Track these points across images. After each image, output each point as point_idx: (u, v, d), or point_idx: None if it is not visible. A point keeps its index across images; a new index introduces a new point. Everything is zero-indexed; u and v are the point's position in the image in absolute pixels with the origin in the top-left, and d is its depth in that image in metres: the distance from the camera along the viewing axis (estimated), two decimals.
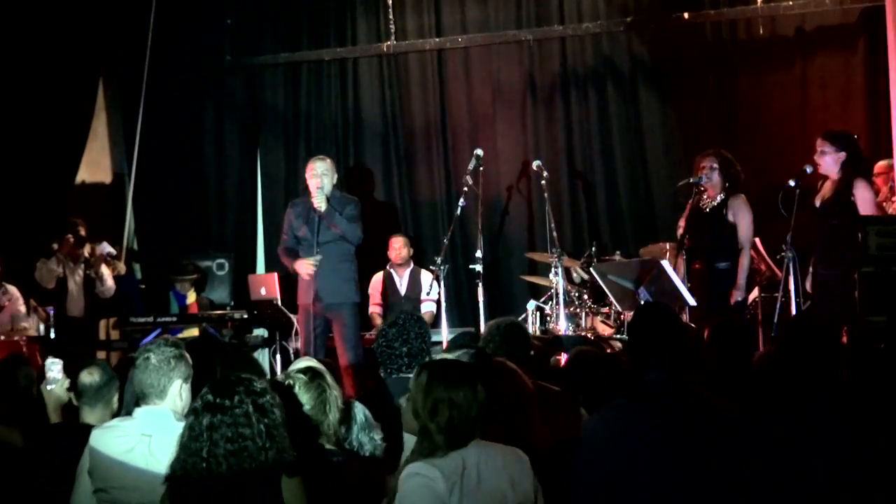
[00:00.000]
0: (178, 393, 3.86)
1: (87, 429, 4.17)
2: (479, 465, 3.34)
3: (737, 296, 7.20)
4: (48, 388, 4.83)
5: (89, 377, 4.55)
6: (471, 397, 3.37)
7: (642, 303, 6.96)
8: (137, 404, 4.05)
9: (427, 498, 3.25)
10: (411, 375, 4.72)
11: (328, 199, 7.51)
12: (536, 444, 3.73)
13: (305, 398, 3.81)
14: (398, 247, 9.45)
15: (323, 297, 7.47)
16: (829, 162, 7.01)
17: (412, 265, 9.56)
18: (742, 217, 7.30)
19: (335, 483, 3.63)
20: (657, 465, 3.35)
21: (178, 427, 3.76)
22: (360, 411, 4.09)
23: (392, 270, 9.53)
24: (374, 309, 9.42)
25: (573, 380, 4.48)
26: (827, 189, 7.06)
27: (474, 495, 3.30)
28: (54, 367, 4.86)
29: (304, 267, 7.55)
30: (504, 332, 4.94)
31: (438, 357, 4.19)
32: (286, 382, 3.83)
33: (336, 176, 7.73)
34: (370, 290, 9.47)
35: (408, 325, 4.94)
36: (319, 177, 7.57)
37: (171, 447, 3.51)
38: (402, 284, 9.49)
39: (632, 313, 7.52)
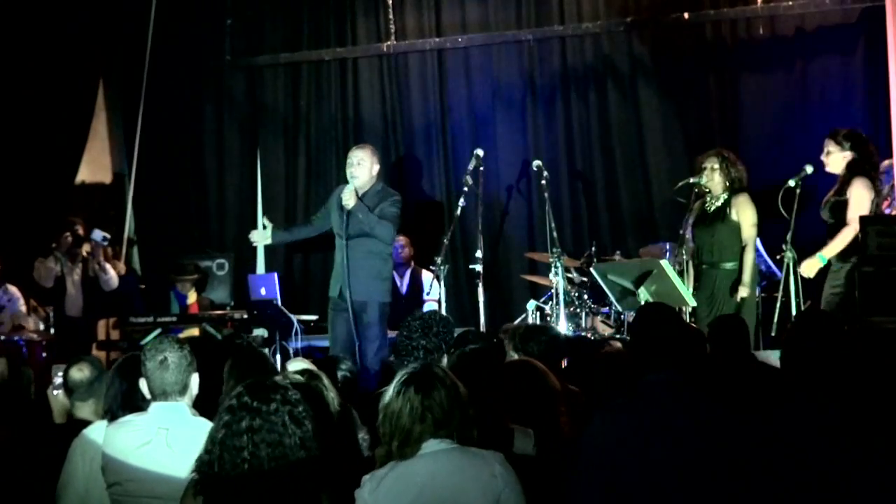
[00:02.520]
0: (194, 385, 3.91)
1: (85, 425, 4.18)
2: (430, 473, 3.30)
3: (742, 292, 7.20)
4: (54, 392, 4.84)
5: (79, 373, 4.56)
6: (410, 406, 3.33)
7: (644, 303, 6.97)
8: (125, 406, 4.05)
9: None
10: None
11: (361, 194, 7.33)
12: (563, 439, 3.79)
13: None
14: (399, 246, 9.44)
15: (350, 293, 7.37)
16: (835, 161, 7.02)
17: (413, 265, 9.55)
18: (745, 215, 7.30)
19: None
20: (658, 466, 3.35)
21: (195, 420, 3.80)
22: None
23: (392, 271, 9.51)
24: None
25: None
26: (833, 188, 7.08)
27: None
28: (61, 373, 4.86)
29: (253, 235, 7.93)
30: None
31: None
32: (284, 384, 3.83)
33: (377, 165, 7.51)
34: None
35: (432, 321, 4.93)
36: (354, 166, 7.39)
37: (189, 439, 3.53)
38: (402, 284, 9.48)
39: (632, 312, 7.61)
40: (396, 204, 7.44)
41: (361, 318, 7.32)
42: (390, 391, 3.40)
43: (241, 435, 3.06)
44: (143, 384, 3.90)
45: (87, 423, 4.22)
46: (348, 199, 7.27)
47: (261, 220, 8.07)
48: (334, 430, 3.76)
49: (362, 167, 7.41)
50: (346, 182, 7.47)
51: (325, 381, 3.92)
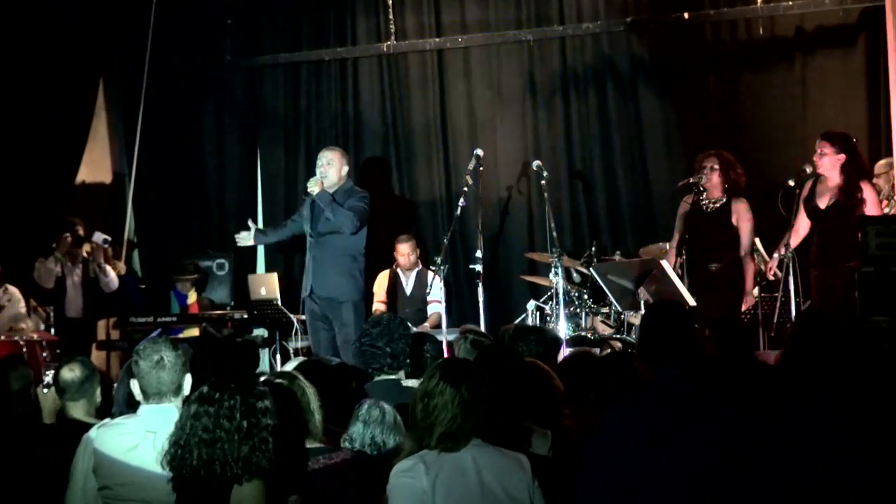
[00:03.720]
0: (187, 386, 3.90)
1: (77, 424, 4.17)
2: (476, 467, 3.32)
3: (749, 302, 7.24)
4: (44, 391, 4.83)
5: (70, 373, 4.55)
6: (462, 397, 3.35)
7: (651, 301, 6.97)
8: (130, 403, 4.05)
9: (410, 495, 3.28)
10: (393, 377, 4.81)
11: (327, 188, 7.46)
12: (567, 440, 3.83)
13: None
14: (406, 252, 9.43)
15: (317, 291, 7.40)
16: (829, 163, 7.03)
17: (419, 266, 9.55)
18: (745, 222, 7.32)
19: (318, 483, 3.64)
20: (668, 463, 3.35)
21: None
22: (390, 413, 4.08)
23: (399, 270, 9.52)
24: (378, 307, 9.39)
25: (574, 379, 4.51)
26: (827, 190, 7.07)
27: (463, 497, 3.29)
28: (51, 373, 4.86)
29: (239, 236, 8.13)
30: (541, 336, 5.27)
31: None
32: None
33: (346, 167, 7.70)
34: (375, 288, 9.46)
35: (391, 325, 4.93)
36: (323, 166, 7.56)
37: None
38: (408, 284, 9.48)
39: (632, 313, 7.62)
40: (364, 200, 7.59)
41: (335, 317, 7.34)
42: (434, 381, 3.40)
43: (185, 424, 3.18)
44: (134, 385, 3.86)
45: (79, 423, 4.21)
46: (313, 185, 7.43)
47: (253, 221, 8.42)
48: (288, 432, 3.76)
49: (332, 167, 7.57)
50: None
51: (303, 381, 3.91)
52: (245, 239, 8.24)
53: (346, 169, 7.71)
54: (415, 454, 3.37)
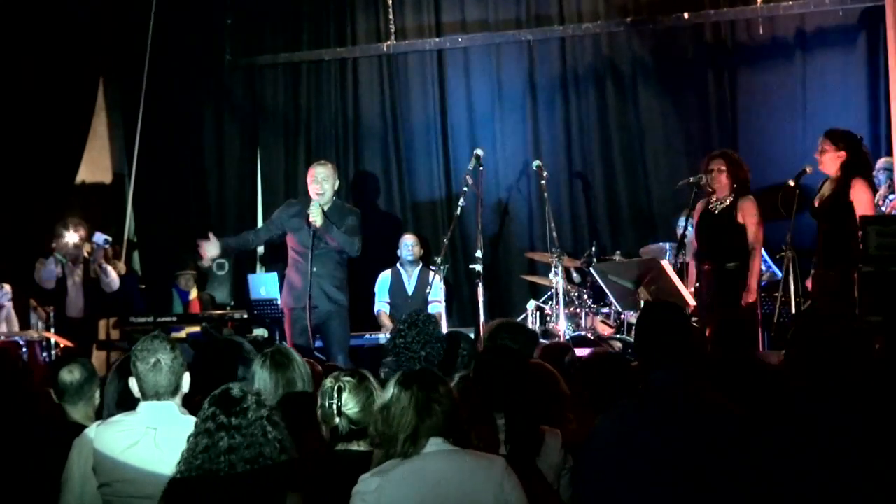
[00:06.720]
0: (186, 384, 3.90)
1: (77, 427, 4.16)
2: (435, 474, 3.29)
3: (748, 298, 7.21)
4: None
5: (69, 375, 4.53)
6: (416, 401, 3.33)
7: (646, 301, 6.97)
8: (121, 405, 4.03)
9: None
10: None
11: (325, 211, 7.39)
12: (569, 441, 3.83)
13: (353, 402, 3.79)
14: (412, 244, 9.44)
15: (319, 303, 7.43)
16: (829, 160, 7.02)
17: (421, 265, 9.55)
18: (751, 219, 7.30)
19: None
20: (663, 466, 3.34)
21: (183, 419, 3.78)
22: None
23: (401, 269, 9.52)
24: (382, 307, 9.42)
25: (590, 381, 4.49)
26: (826, 189, 7.07)
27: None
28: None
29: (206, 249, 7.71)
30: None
31: None
32: (336, 385, 3.82)
33: (337, 182, 7.66)
34: (376, 288, 9.47)
35: (427, 328, 4.81)
36: (320, 182, 7.46)
37: (178, 438, 3.51)
38: (410, 283, 9.48)
39: (632, 312, 7.62)
40: (359, 218, 7.62)
41: (328, 326, 7.46)
42: (390, 391, 3.39)
43: (219, 457, 3.07)
44: (133, 384, 3.86)
45: (78, 426, 4.20)
46: (316, 216, 7.32)
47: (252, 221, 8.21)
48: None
49: (328, 183, 7.51)
50: (306, 194, 7.60)
51: (374, 382, 3.90)
52: (212, 249, 7.79)
53: (337, 183, 7.66)
54: (378, 465, 3.38)
